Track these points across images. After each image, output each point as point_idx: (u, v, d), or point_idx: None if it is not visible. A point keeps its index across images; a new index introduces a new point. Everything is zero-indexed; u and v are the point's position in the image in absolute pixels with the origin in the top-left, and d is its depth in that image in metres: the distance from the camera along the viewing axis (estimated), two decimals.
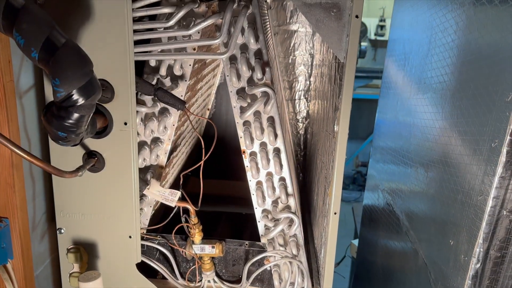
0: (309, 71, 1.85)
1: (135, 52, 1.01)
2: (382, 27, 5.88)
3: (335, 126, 1.08)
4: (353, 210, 3.07)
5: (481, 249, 0.90)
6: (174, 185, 1.52)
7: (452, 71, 1.10)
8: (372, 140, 2.24)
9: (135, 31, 1.00)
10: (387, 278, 1.62)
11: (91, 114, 0.87)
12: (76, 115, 0.83)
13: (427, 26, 1.30)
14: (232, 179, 1.86)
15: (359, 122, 5.64)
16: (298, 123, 1.94)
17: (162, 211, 1.37)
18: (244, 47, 1.09)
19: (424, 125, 1.26)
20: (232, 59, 1.10)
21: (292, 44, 1.81)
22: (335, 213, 1.10)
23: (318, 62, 1.66)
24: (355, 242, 2.62)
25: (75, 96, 0.81)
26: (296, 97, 1.90)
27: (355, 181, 5.81)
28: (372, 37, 6.23)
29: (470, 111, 0.97)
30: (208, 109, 1.91)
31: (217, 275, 1.26)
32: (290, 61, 1.85)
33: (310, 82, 1.86)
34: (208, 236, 1.22)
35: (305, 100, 1.90)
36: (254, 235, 1.27)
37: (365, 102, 5.09)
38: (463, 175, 0.99)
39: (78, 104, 0.82)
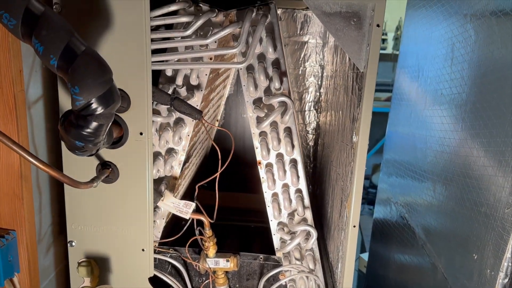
0: (319, 82, 1.84)
1: (152, 62, 0.99)
2: (384, 40, 5.92)
3: (354, 136, 1.06)
4: (359, 223, 3.03)
5: (510, 264, 0.88)
6: (185, 196, 1.49)
7: (473, 82, 1.08)
8: (377, 153, 2.22)
9: (152, 40, 0.99)
10: None
11: (110, 124, 0.85)
12: (95, 124, 0.81)
13: (443, 37, 1.29)
14: (242, 191, 1.84)
15: None
16: (308, 134, 1.92)
17: (173, 223, 1.34)
18: (261, 57, 1.08)
19: (441, 136, 1.24)
20: (249, 69, 1.09)
21: (302, 55, 1.81)
22: (354, 226, 1.08)
23: (330, 73, 1.65)
24: (364, 256, 2.58)
25: (94, 105, 0.79)
26: (306, 108, 1.88)
27: None
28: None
29: (494, 121, 0.95)
30: (217, 120, 1.89)
31: None
32: (300, 72, 1.84)
33: (320, 93, 1.85)
34: (219, 248, 1.19)
35: (315, 111, 1.89)
36: (264, 249, 1.24)
37: None
38: (487, 187, 0.97)
39: (97, 113, 0.80)
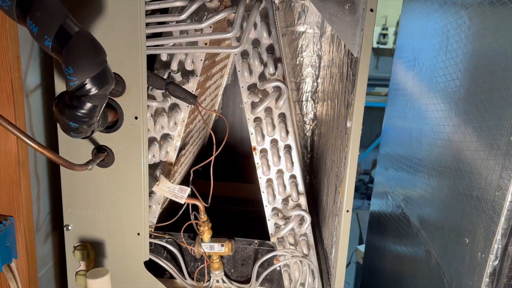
0: (317, 73, 1.85)
1: (146, 46, 1.00)
2: (384, 35, 5.91)
3: (348, 122, 1.07)
4: (357, 216, 3.05)
5: (500, 246, 0.88)
6: (182, 184, 1.50)
7: (466, 68, 1.09)
8: (378, 147, 2.23)
9: (147, 24, 0.99)
10: (397, 282, 1.60)
11: (104, 105, 0.86)
12: (89, 105, 0.82)
13: (438, 26, 1.29)
14: (239, 181, 1.85)
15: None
16: (305, 125, 1.93)
17: (168, 210, 1.35)
18: (256, 42, 1.08)
19: (436, 124, 1.25)
20: (244, 54, 1.09)
21: (299, 46, 1.81)
22: (347, 211, 1.08)
23: (327, 63, 1.65)
24: (361, 247, 2.59)
25: (88, 86, 0.80)
26: (303, 98, 1.89)
27: (357, 189, 5.79)
28: (375, 45, 6.26)
29: (486, 106, 0.96)
30: (214, 110, 1.90)
31: (226, 275, 1.23)
32: (297, 62, 1.84)
33: (317, 83, 1.86)
34: (215, 236, 1.20)
35: (312, 101, 1.89)
36: (259, 237, 1.25)
37: (367, 110, 5.08)
38: (479, 171, 0.98)
39: (91, 93, 0.81)
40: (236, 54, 1.09)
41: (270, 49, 1.09)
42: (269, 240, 1.21)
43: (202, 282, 1.22)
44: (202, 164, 1.13)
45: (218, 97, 1.86)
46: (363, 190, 5.67)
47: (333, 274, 1.16)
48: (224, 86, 1.88)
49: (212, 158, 1.10)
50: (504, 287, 0.90)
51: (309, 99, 1.89)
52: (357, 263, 2.66)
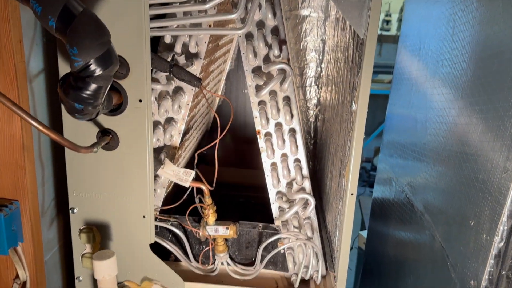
0: (321, 57, 1.83)
1: (150, 28, 0.99)
2: (387, 21, 5.86)
3: (353, 105, 1.06)
4: (360, 202, 3.06)
5: (505, 227, 0.88)
6: (186, 167, 1.50)
7: (474, 50, 1.08)
8: (380, 135, 2.22)
9: (150, 5, 0.98)
10: (400, 266, 1.61)
11: (108, 87, 0.85)
12: (93, 86, 0.81)
13: (445, 8, 1.28)
14: (241, 167, 1.85)
15: None
16: (308, 110, 1.92)
17: (173, 194, 1.35)
18: (261, 24, 1.07)
19: (441, 107, 1.24)
20: (249, 37, 1.08)
21: (303, 30, 1.79)
22: (352, 194, 1.08)
23: (331, 47, 1.64)
24: (363, 233, 2.60)
25: (93, 66, 0.80)
26: (307, 83, 1.88)
27: (359, 176, 5.77)
28: (378, 31, 6.19)
29: (493, 87, 0.95)
30: (218, 94, 1.89)
31: (230, 257, 1.24)
32: (301, 47, 1.83)
33: (321, 68, 1.84)
34: (219, 219, 1.20)
35: (316, 87, 1.88)
36: (264, 221, 1.25)
37: (370, 97, 5.07)
38: (485, 153, 0.97)
39: (96, 74, 0.80)
40: (240, 36, 1.08)
41: (275, 31, 1.08)
42: (273, 223, 1.22)
43: (207, 265, 1.23)
44: (207, 147, 1.13)
45: (221, 82, 1.86)
46: (365, 177, 5.67)
47: (337, 257, 1.17)
48: (227, 71, 1.87)
49: (217, 141, 1.10)
50: (509, 268, 0.90)
51: (313, 84, 1.88)
52: (359, 248, 2.68)
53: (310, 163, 1.96)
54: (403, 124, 1.68)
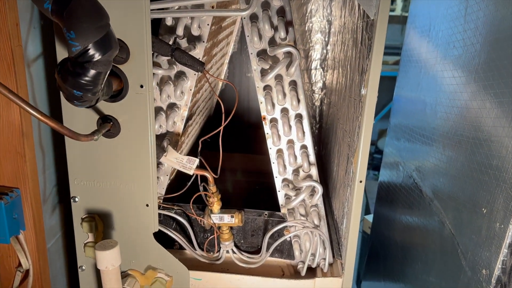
0: (326, 39, 1.78)
1: (150, 10, 0.94)
2: (392, 1, 5.72)
3: (362, 89, 1.03)
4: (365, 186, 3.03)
5: None
6: (189, 155, 1.48)
7: (488, 31, 1.03)
8: (385, 118, 2.18)
9: None
10: (406, 252, 1.59)
11: (108, 72, 0.82)
12: (92, 72, 0.78)
13: None
14: (244, 152, 1.82)
15: None
16: (313, 94, 1.88)
17: (177, 181, 1.33)
18: (266, 4, 1.03)
19: (452, 90, 1.20)
20: (253, 18, 1.04)
21: (308, 10, 1.74)
22: (360, 181, 1.05)
23: (338, 28, 1.59)
24: (368, 217, 2.59)
25: (92, 51, 0.76)
26: (312, 66, 1.83)
27: None
28: None
29: (509, 70, 0.91)
30: (222, 78, 1.85)
31: (236, 245, 1.22)
32: (306, 28, 1.77)
33: (327, 50, 1.79)
34: (223, 207, 1.18)
35: (321, 69, 1.83)
36: (269, 208, 1.23)
37: None
38: (499, 139, 0.94)
39: (95, 59, 0.77)
40: (244, 18, 1.03)
41: (281, 11, 1.03)
42: (279, 211, 1.19)
43: (212, 253, 1.21)
44: (211, 134, 1.10)
45: (224, 66, 1.81)
46: (369, 160, 5.64)
47: (345, 245, 1.15)
48: (230, 54, 1.83)
49: (221, 128, 1.06)
50: None
51: (318, 67, 1.83)
52: (363, 232, 2.67)
53: (315, 148, 1.93)
54: (412, 107, 1.64)
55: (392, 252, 1.80)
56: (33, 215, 1.13)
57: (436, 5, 1.43)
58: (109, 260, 0.98)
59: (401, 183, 1.70)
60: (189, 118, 1.29)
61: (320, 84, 1.86)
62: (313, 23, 1.76)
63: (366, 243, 2.70)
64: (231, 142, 1.64)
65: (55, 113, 1.06)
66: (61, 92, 0.96)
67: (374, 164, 5.18)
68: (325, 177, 1.64)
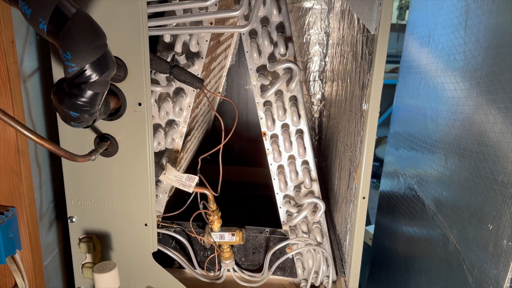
0: (325, 51, 1.77)
1: (148, 27, 0.93)
2: None
3: (364, 104, 1.01)
4: None
5: None
6: (188, 171, 1.46)
7: (490, 43, 1.02)
8: (382, 125, 2.16)
9: (148, 3, 0.92)
10: (408, 264, 1.57)
11: (105, 92, 0.80)
12: (89, 93, 0.76)
13: (457, 3, 1.22)
14: (246, 165, 1.80)
15: None
16: (312, 105, 1.87)
17: (176, 198, 1.31)
18: (265, 20, 1.01)
19: (454, 103, 1.19)
20: (252, 34, 1.03)
21: (306, 23, 1.73)
22: (363, 198, 1.04)
23: (336, 40, 1.58)
24: (369, 228, 2.56)
25: (88, 72, 0.74)
26: (311, 78, 1.82)
27: None
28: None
29: None
30: (219, 93, 1.83)
31: (237, 264, 1.20)
32: (304, 40, 1.76)
33: (325, 62, 1.78)
34: (224, 222, 1.15)
35: (320, 81, 1.82)
36: (271, 222, 1.21)
37: None
38: (504, 154, 0.92)
39: (92, 80, 0.75)
40: (243, 34, 1.02)
41: (280, 27, 1.02)
42: (280, 226, 1.17)
43: (212, 272, 1.19)
44: (210, 152, 1.08)
45: (222, 79, 1.80)
46: None
47: (348, 262, 1.12)
48: (228, 67, 1.81)
49: (221, 146, 1.04)
50: None
51: (317, 79, 1.82)
52: (364, 243, 2.64)
53: (315, 159, 1.91)
54: (411, 117, 1.63)
55: (394, 265, 1.78)
56: (29, 233, 1.11)
57: (435, 15, 1.42)
58: (107, 283, 0.96)
59: (402, 194, 1.68)
60: (188, 133, 1.28)
61: (319, 96, 1.85)
62: (311, 35, 1.75)
63: (368, 255, 2.68)
64: (231, 155, 1.62)
65: (53, 129, 1.04)
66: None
67: (373, 172, 5.16)
68: (326, 189, 1.62)
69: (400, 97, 1.80)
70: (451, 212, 1.19)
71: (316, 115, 1.87)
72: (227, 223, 1.17)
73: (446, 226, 1.22)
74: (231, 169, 1.74)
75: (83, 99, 0.76)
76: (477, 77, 1.07)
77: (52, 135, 1.04)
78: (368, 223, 3.09)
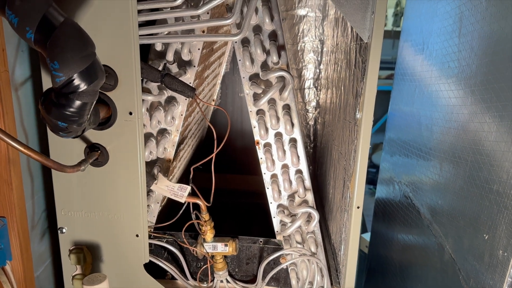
0: (319, 59, 1.77)
1: (139, 35, 0.92)
2: None
3: (357, 113, 1.00)
4: None
5: None
6: (181, 180, 1.44)
7: (484, 52, 1.01)
8: (377, 132, 2.16)
9: (139, 11, 0.91)
10: (404, 273, 1.55)
11: (94, 102, 0.79)
12: (78, 103, 0.75)
13: (450, 7, 1.21)
14: (240, 173, 1.79)
15: None
16: (307, 113, 1.86)
17: (168, 208, 1.29)
18: (257, 29, 1.01)
19: (449, 111, 1.18)
20: (245, 42, 1.02)
21: (300, 30, 1.73)
22: (358, 207, 1.02)
23: (330, 48, 1.57)
24: (365, 236, 2.55)
25: (77, 81, 0.73)
26: (306, 86, 1.81)
27: None
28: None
29: (508, 93, 0.89)
30: (213, 100, 1.82)
31: (230, 274, 1.18)
32: (298, 48, 1.76)
33: (320, 70, 1.78)
34: (217, 231, 1.14)
35: (314, 89, 1.82)
36: (264, 231, 1.20)
37: None
38: (499, 164, 0.91)
39: (80, 90, 0.73)
40: (236, 42, 1.01)
41: (273, 35, 1.01)
42: (274, 236, 1.16)
43: (205, 283, 1.17)
44: (202, 162, 1.07)
45: (216, 87, 1.79)
46: None
47: (343, 273, 1.11)
48: (223, 74, 1.80)
49: (213, 155, 1.03)
50: None
51: (311, 86, 1.81)
52: (360, 251, 2.62)
53: (310, 167, 1.90)
54: (406, 124, 1.62)
55: (390, 272, 1.76)
56: (20, 244, 1.09)
57: (429, 22, 1.41)
58: None
59: (398, 202, 1.67)
60: (181, 142, 1.26)
61: (313, 103, 1.84)
62: (306, 43, 1.74)
63: (364, 263, 2.66)
64: (224, 163, 1.60)
65: (45, 138, 1.02)
66: None
67: (369, 179, 5.15)
68: (320, 197, 1.60)
69: (395, 104, 1.80)
70: (447, 221, 1.18)
71: (311, 122, 1.87)
72: (221, 232, 1.15)
73: (441, 235, 1.21)
74: (225, 176, 1.72)
75: (71, 109, 0.75)
76: (472, 85, 1.06)
77: (45, 144, 1.02)
78: (364, 230, 3.07)
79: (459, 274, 1.07)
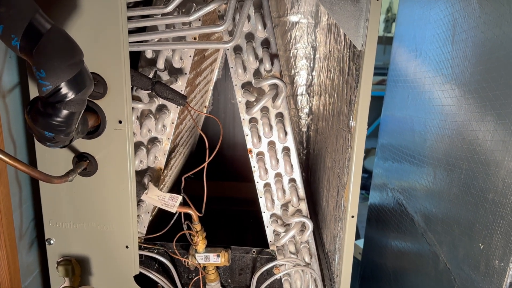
0: (312, 65, 1.76)
1: (129, 42, 0.90)
2: None
3: (351, 121, 0.99)
4: None
5: None
6: (173, 189, 1.42)
7: (478, 59, 1.01)
8: (369, 137, 2.15)
9: (129, 18, 0.89)
10: (398, 281, 1.54)
11: (82, 111, 0.76)
12: (65, 112, 0.72)
13: (443, 13, 1.21)
14: (232, 180, 1.77)
15: None
16: (300, 120, 1.84)
17: (159, 218, 1.26)
18: (250, 36, 0.99)
19: (442, 119, 1.18)
20: (237, 50, 1.00)
21: (293, 37, 1.72)
22: (352, 217, 1.01)
23: (323, 54, 1.56)
24: (358, 242, 2.53)
25: (64, 90, 0.70)
26: (298, 92, 1.80)
27: None
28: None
29: (502, 101, 0.88)
30: (205, 107, 1.80)
31: (222, 285, 1.15)
32: (291, 54, 1.75)
33: (312, 76, 1.77)
34: (209, 240, 1.11)
35: (307, 95, 1.81)
36: (257, 241, 1.18)
37: None
38: (494, 172, 0.90)
39: (67, 99, 0.71)
40: (228, 50, 0.99)
41: (265, 43, 1.00)
42: (267, 245, 1.14)
43: None
44: (193, 171, 1.05)
45: (208, 93, 1.77)
46: None
47: (337, 283, 1.09)
48: (215, 81, 1.79)
49: (205, 164, 1.01)
50: None
51: (304, 93, 1.80)
52: (354, 258, 2.60)
53: (303, 174, 1.88)
54: (399, 130, 1.61)
55: (384, 280, 1.75)
56: (7, 255, 1.06)
57: (422, 29, 1.41)
58: None
59: (391, 209, 1.66)
60: (172, 150, 1.24)
61: (306, 110, 1.83)
62: (298, 49, 1.73)
63: (357, 269, 2.65)
64: (217, 170, 1.58)
65: (34, 146, 1.00)
66: None
67: (361, 184, 5.15)
68: (314, 205, 1.59)
69: (388, 110, 1.79)
70: (441, 230, 1.17)
71: (304, 129, 1.85)
72: (213, 240, 1.13)
73: (436, 243, 1.20)
74: (218, 184, 1.70)
75: (58, 119, 0.73)
76: (465, 92, 1.06)
77: (34, 152, 0.99)
78: (357, 237, 3.05)
79: (454, 284, 1.06)
